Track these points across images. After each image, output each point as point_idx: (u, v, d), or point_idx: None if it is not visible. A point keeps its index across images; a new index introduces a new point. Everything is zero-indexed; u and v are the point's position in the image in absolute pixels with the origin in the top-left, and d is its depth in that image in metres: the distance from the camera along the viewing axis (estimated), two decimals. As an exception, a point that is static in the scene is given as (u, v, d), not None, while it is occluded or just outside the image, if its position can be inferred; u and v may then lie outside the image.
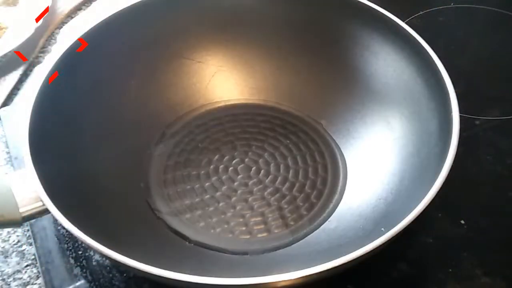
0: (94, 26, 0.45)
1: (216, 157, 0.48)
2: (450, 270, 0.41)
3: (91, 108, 0.44)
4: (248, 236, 0.43)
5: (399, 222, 0.33)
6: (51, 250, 0.43)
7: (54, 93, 0.41)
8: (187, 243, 0.42)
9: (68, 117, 0.42)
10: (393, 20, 0.45)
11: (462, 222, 0.44)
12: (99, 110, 0.45)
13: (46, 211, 0.35)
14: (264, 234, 0.43)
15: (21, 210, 0.35)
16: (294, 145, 0.49)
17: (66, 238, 0.43)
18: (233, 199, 0.45)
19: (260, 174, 0.47)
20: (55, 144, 0.40)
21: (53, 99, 0.41)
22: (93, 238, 0.32)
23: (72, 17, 0.66)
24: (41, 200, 0.35)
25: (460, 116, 0.38)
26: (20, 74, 0.58)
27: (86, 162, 0.42)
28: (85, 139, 0.43)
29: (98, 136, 0.44)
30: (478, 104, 0.52)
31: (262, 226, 0.43)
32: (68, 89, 0.42)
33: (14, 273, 0.43)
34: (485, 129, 0.51)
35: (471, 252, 0.42)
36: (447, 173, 0.35)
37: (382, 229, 0.33)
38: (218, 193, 0.45)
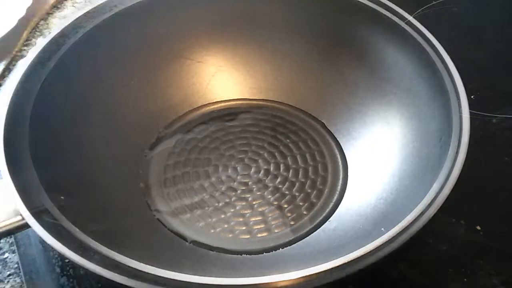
0: (94, 26, 0.45)
1: (216, 156, 0.48)
2: (465, 279, 0.38)
3: (90, 108, 0.44)
4: (248, 236, 0.43)
5: (399, 222, 0.33)
6: (35, 258, 0.40)
7: (52, 93, 0.41)
8: (187, 243, 0.42)
9: (68, 117, 0.42)
10: (394, 17, 0.45)
11: (478, 228, 0.41)
12: (98, 110, 0.45)
13: (26, 226, 0.32)
14: (264, 234, 0.43)
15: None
16: (294, 144, 0.49)
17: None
18: (233, 198, 0.45)
19: (260, 174, 0.47)
20: (53, 143, 0.40)
21: (52, 99, 0.41)
22: (93, 238, 0.32)
23: (58, 8, 0.62)
24: (20, 215, 0.32)
25: (476, 114, 0.36)
26: (2, 69, 0.54)
27: (86, 162, 0.42)
28: (84, 139, 0.43)
29: (98, 136, 0.44)
30: (495, 101, 0.49)
31: (262, 226, 0.43)
32: (67, 89, 0.42)
33: (-5, 283, 0.40)
34: (503, 128, 0.47)
35: (487, 260, 0.39)
36: (447, 173, 0.35)
37: (382, 229, 0.33)
38: (217, 193, 0.45)
